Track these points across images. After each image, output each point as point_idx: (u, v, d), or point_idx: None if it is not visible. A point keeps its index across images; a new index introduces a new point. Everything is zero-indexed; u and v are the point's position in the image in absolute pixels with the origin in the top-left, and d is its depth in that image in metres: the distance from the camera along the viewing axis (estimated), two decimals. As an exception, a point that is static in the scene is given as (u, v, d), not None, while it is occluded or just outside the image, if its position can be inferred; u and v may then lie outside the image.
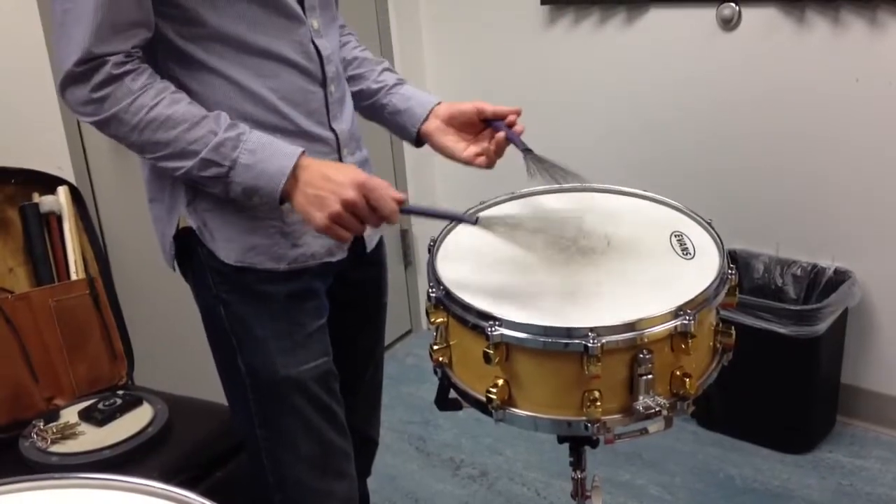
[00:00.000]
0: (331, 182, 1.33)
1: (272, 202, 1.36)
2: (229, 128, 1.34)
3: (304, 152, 1.36)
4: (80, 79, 1.29)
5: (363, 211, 1.34)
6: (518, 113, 1.57)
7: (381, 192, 1.34)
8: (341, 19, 1.69)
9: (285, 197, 1.35)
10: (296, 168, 1.34)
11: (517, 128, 1.56)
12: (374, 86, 1.68)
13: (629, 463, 2.67)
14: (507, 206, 1.64)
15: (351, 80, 1.67)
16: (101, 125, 1.33)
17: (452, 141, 1.62)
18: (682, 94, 2.80)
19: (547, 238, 1.49)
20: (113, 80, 1.29)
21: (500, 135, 1.55)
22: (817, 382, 2.64)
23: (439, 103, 1.66)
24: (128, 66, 1.30)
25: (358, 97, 1.68)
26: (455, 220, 1.52)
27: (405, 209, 1.39)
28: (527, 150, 1.52)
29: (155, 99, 1.31)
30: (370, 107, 1.70)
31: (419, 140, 1.67)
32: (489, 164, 1.58)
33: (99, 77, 1.28)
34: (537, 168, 1.50)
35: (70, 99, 1.32)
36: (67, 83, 1.30)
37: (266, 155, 1.34)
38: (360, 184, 1.33)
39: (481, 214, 1.48)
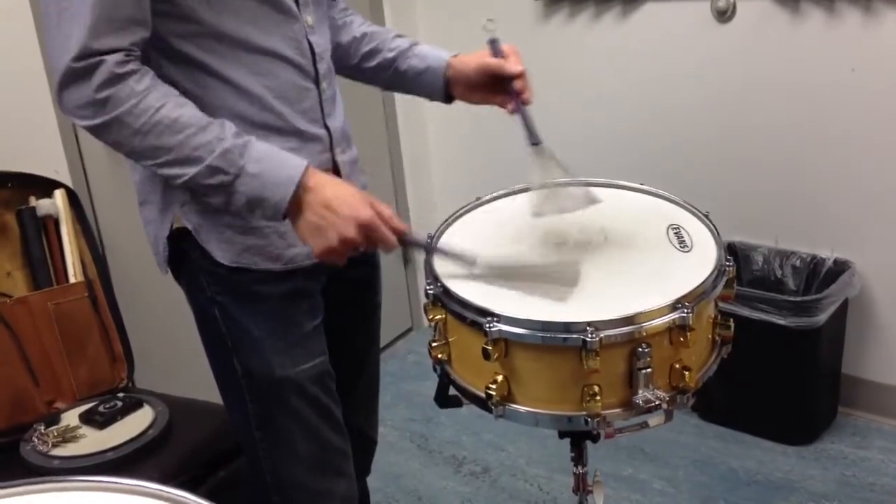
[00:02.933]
0: (334, 214, 1.30)
1: (275, 215, 1.32)
2: (236, 135, 1.30)
3: (309, 165, 1.33)
4: (81, 77, 1.23)
5: (360, 245, 1.33)
6: (521, 74, 1.57)
7: (382, 232, 1.33)
8: (342, 3, 1.70)
9: (288, 213, 1.32)
10: (300, 186, 1.30)
11: (525, 95, 1.57)
12: (390, 54, 1.67)
13: (632, 457, 2.67)
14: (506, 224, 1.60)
15: (367, 56, 1.67)
16: (101, 129, 1.27)
17: (482, 99, 1.65)
18: (677, 87, 2.80)
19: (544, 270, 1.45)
20: (116, 79, 1.24)
21: (511, 107, 1.58)
22: (818, 373, 2.64)
23: (453, 56, 1.66)
24: (130, 66, 1.25)
25: (378, 70, 1.68)
26: (453, 258, 1.44)
27: (406, 240, 1.38)
28: (534, 144, 1.53)
29: (160, 101, 1.26)
30: (392, 76, 1.69)
31: (448, 97, 1.68)
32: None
33: (101, 77, 1.23)
34: (538, 163, 1.50)
35: (68, 101, 1.26)
36: (67, 82, 1.24)
37: (273, 165, 1.30)
38: (363, 224, 1.31)
39: (480, 259, 1.42)
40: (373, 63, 1.68)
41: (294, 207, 1.31)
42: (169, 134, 1.27)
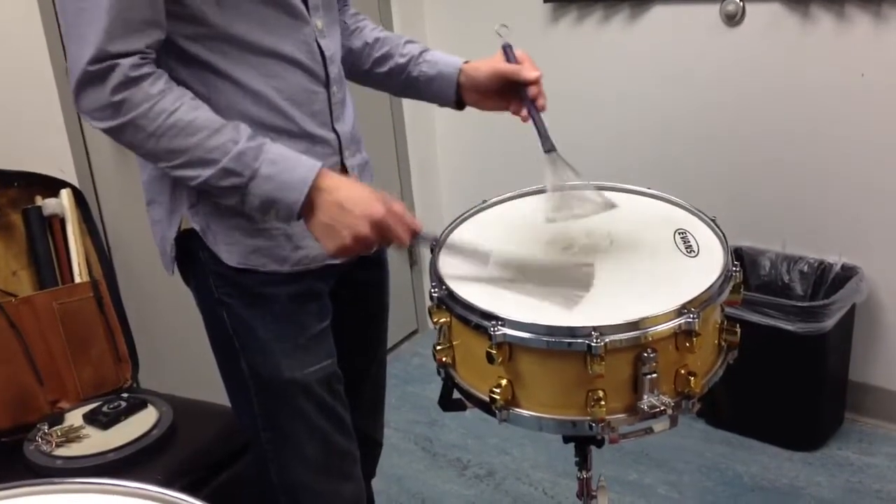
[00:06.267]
0: (346, 214, 1.31)
1: (289, 216, 1.33)
2: (250, 138, 1.31)
3: (323, 167, 1.34)
4: (96, 80, 1.25)
5: (374, 243, 1.33)
6: (536, 80, 1.53)
7: (395, 229, 1.33)
8: (353, 8, 1.69)
9: (302, 214, 1.33)
10: (313, 188, 1.31)
11: (539, 102, 1.53)
12: (402, 59, 1.65)
13: (637, 462, 2.66)
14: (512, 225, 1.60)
15: (378, 61, 1.66)
16: (116, 131, 1.29)
17: (495, 105, 1.61)
18: (686, 91, 2.79)
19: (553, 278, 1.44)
20: (130, 83, 1.25)
21: (525, 114, 1.54)
22: (825, 379, 2.63)
23: (465, 63, 1.63)
24: (144, 70, 1.27)
25: (389, 76, 1.67)
26: (466, 254, 1.44)
27: (419, 236, 1.39)
28: (548, 151, 1.50)
29: (174, 104, 1.28)
30: (404, 82, 1.67)
31: (460, 103, 1.65)
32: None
33: (116, 80, 1.24)
34: (551, 170, 1.48)
35: (85, 103, 1.28)
36: (83, 85, 1.26)
37: (286, 167, 1.31)
38: (376, 222, 1.31)
39: (493, 256, 1.41)
40: (384, 68, 1.66)
41: (308, 208, 1.32)
42: (183, 136, 1.28)
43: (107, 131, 1.30)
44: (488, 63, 1.59)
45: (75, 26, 1.26)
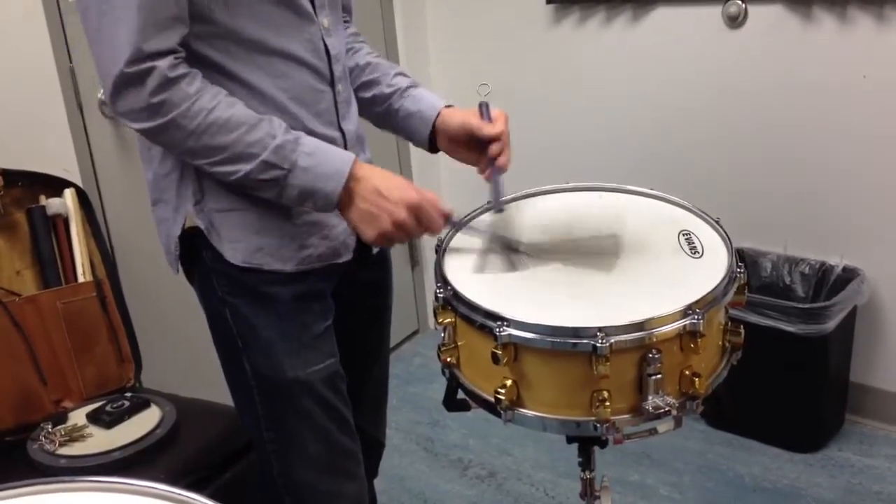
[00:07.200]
0: (383, 199, 1.37)
1: (326, 206, 1.37)
2: (286, 131, 1.34)
3: (356, 158, 1.38)
4: (135, 82, 1.25)
5: (412, 228, 1.39)
6: (499, 137, 1.55)
7: (431, 213, 1.40)
8: (354, 27, 1.69)
9: (339, 203, 1.37)
10: (350, 177, 1.36)
11: (500, 161, 1.55)
12: (387, 90, 1.65)
13: (638, 462, 2.66)
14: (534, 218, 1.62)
15: (364, 86, 1.66)
16: (156, 132, 1.30)
17: (464, 157, 1.63)
18: (688, 92, 2.79)
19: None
20: (169, 83, 1.26)
21: (487, 173, 1.58)
22: (826, 381, 2.63)
23: (446, 107, 1.63)
24: (181, 70, 1.28)
25: (371, 103, 1.66)
26: (497, 240, 1.52)
27: (451, 222, 1.46)
28: (497, 209, 1.59)
29: (212, 102, 1.29)
30: (384, 112, 1.67)
31: (433, 146, 1.65)
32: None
33: (155, 81, 1.25)
34: (490, 226, 1.56)
35: (123, 105, 1.28)
36: (121, 88, 1.26)
37: (323, 158, 1.35)
38: (412, 205, 1.38)
39: (524, 241, 1.48)
40: (368, 94, 1.65)
41: (345, 197, 1.37)
42: (223, 133, 1.30)
43: (145, 132, 1.31)
44: (461, 113, 1.60)
45: (101, 28, 1.25)
